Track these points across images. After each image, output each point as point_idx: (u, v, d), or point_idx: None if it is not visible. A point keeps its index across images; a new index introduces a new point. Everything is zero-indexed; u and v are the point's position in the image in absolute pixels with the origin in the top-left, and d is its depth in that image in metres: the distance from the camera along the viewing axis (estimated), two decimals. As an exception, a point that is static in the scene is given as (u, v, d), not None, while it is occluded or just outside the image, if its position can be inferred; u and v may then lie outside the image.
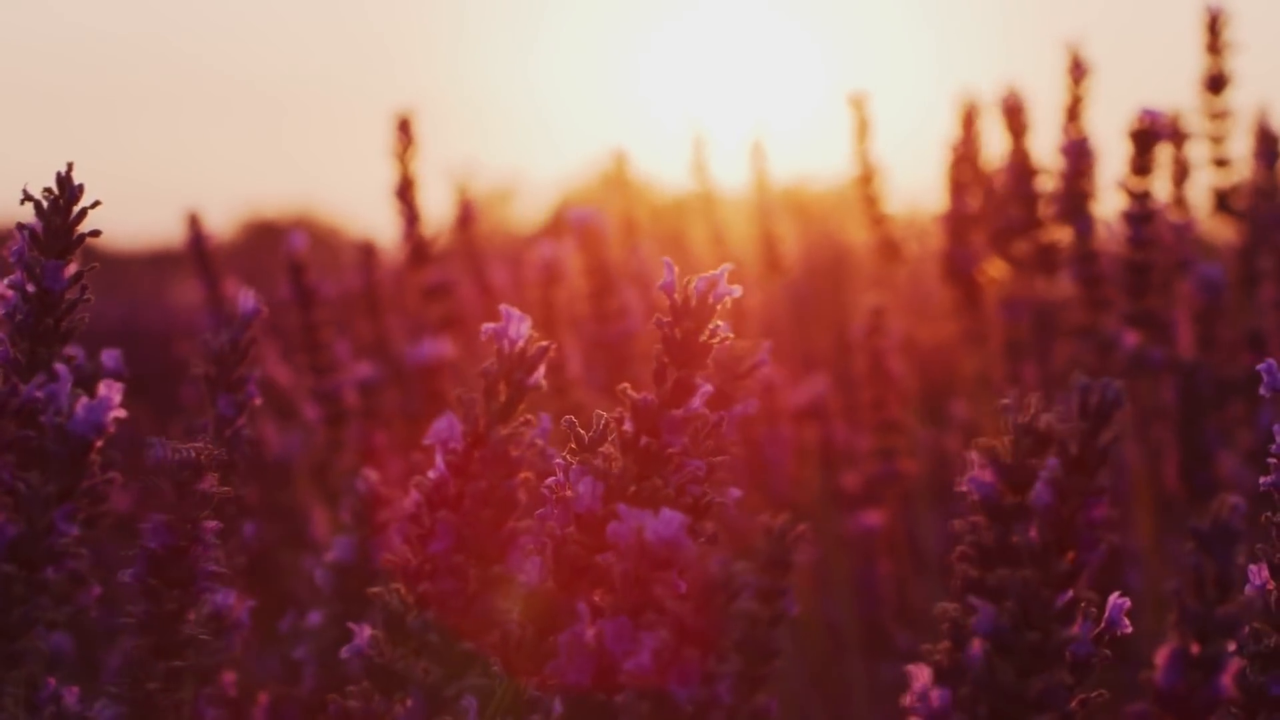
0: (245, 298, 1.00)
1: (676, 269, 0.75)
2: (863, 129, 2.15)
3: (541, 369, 0.72)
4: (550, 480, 0.74)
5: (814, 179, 4.66)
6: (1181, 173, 1.91)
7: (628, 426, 0.74)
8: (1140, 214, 1.68)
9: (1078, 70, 1.90)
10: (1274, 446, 0.85)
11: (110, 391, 0.77)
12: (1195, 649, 0.70)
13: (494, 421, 0.72)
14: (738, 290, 0.74)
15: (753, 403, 0.84)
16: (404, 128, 1.95)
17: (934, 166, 2.06)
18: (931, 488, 2.03)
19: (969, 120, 2.01)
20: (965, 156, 2.01)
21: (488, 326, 0.72)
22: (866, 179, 2.16)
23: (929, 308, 2.60)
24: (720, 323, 0.75)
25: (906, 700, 0.75)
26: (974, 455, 0.72)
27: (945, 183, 2.02)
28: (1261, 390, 0.86)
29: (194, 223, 1.95)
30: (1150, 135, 1.68)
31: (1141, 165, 1.68)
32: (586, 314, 1.82)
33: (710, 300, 0.75)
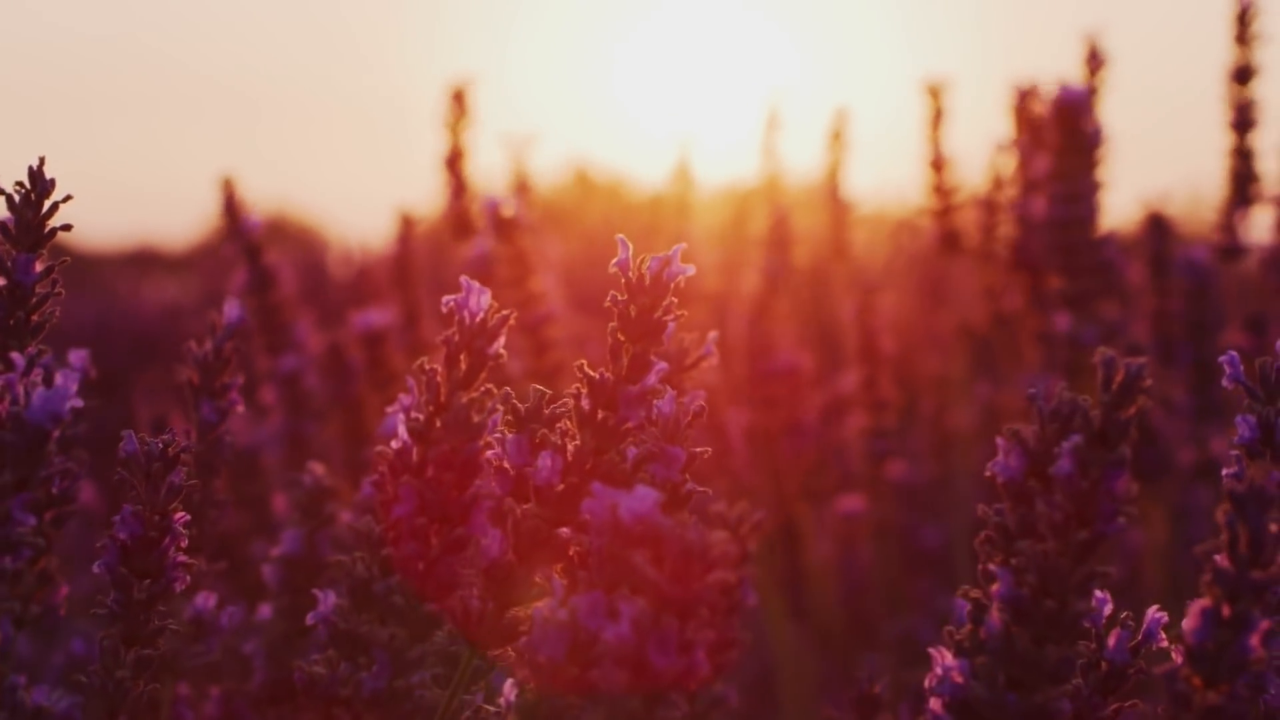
0: (230, 307, 1.01)
1: (631, 247, 0.76)
2: (938, 117, 2.14)
3: (502, 339, 0.74)
4: (493, 453, 0.75)
5: (787, 175, 4.67)
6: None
7: (584, 403, 0.76)
8: (1067, 194, 1.69)
9: (1094, 61, 1.89)
10: (1236, 438, 0.87)
11: (67, 381, 0.78)
12: (1226, 610, 0.72)
13: (455, 389, 0.73)
14: (691, 269, 0.76)
15: (700, 394, 0.85)
16: (458, 98, 1.97)
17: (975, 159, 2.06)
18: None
19: (1028, 106, 1.98)
20: (1030, 146, 1.96)
21: (448, 298, 0.73)
22: (938, 168, 2.15)
23: (943, 297, 2.60)
24: (674, 299, 0.76)
25: (927, 683, 0.77)
26: (1001, 441, 0.74)
27: (1018, 173, 1.99)
28: (1224, 382, 0.88)
29: None
30: (1071, 114, 1.68)
31: (1069, 145, 1.68)
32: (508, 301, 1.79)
33: (664, 278, 0.76)
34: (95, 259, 5.78)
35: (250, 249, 1.78)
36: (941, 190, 2.15)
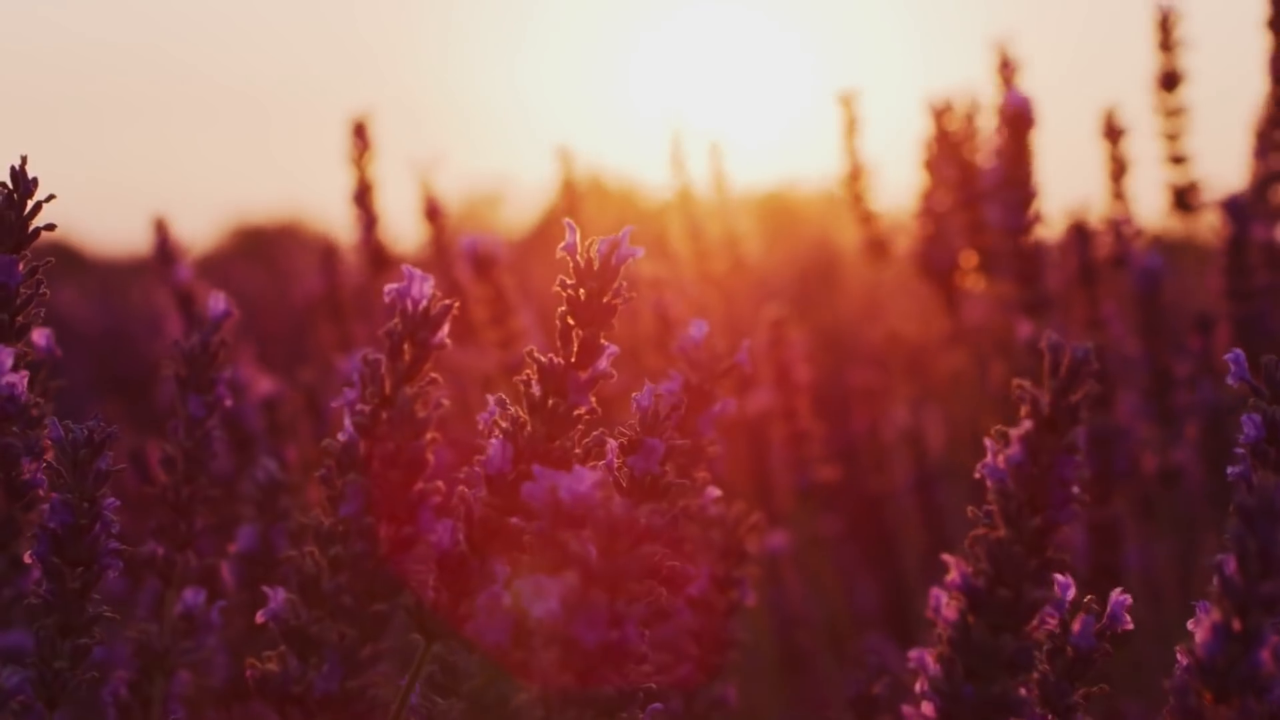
0: (216, 300, 1.00)
1: (579, 231, 0.75)
2: (851, 127, 2.16)
3: (446, 328, 0.72)
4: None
5: (802, 182, 4.68)
6: (1119, 169, 1.91)
7: (535, 389, 0.74)
8: (1018, 199, 1.69)
9: (1007, 69, 1.91)
10: (1242, 437, 0.86)
11: (2, 356, 0.76)
12: (1237, 624, 0.71)
13: (400, 382, 0.72)
14: (640, 252, 0.74)
15: (731, 402, 0.84)
16: (360, 132, 1.93)
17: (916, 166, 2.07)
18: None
19: (942, 119, 2.01)
20: (940, 156, 2.00)
21: (390, 287, 0.72)
22: (855, 177, 2.16)
23: (916, 306, 2.60)
24: (624, 283, 0.75)
25: (917, 687, 0.76)
26: (989, 443, 0.73)
27: (920, 182, 2.02)
28: (1229, 379, 0.87)
29: None
30: (1020, 121, 1.68)
31: (1015, 151, 1.68)
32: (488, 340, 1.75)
33: (613, 262, 0.74)
34: (111, 265, 5.79)
35: (182, 297, 1.76)
36: (861, 199, 2.16)
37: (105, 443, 0.86)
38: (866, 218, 2.17)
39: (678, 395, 0.84)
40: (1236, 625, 0.71)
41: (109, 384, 2.75)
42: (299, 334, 2.86)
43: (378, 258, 1.95)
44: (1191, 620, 0.82)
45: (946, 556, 0.73)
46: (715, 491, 0.84)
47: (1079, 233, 1.82)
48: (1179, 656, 0.81)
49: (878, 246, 2.18)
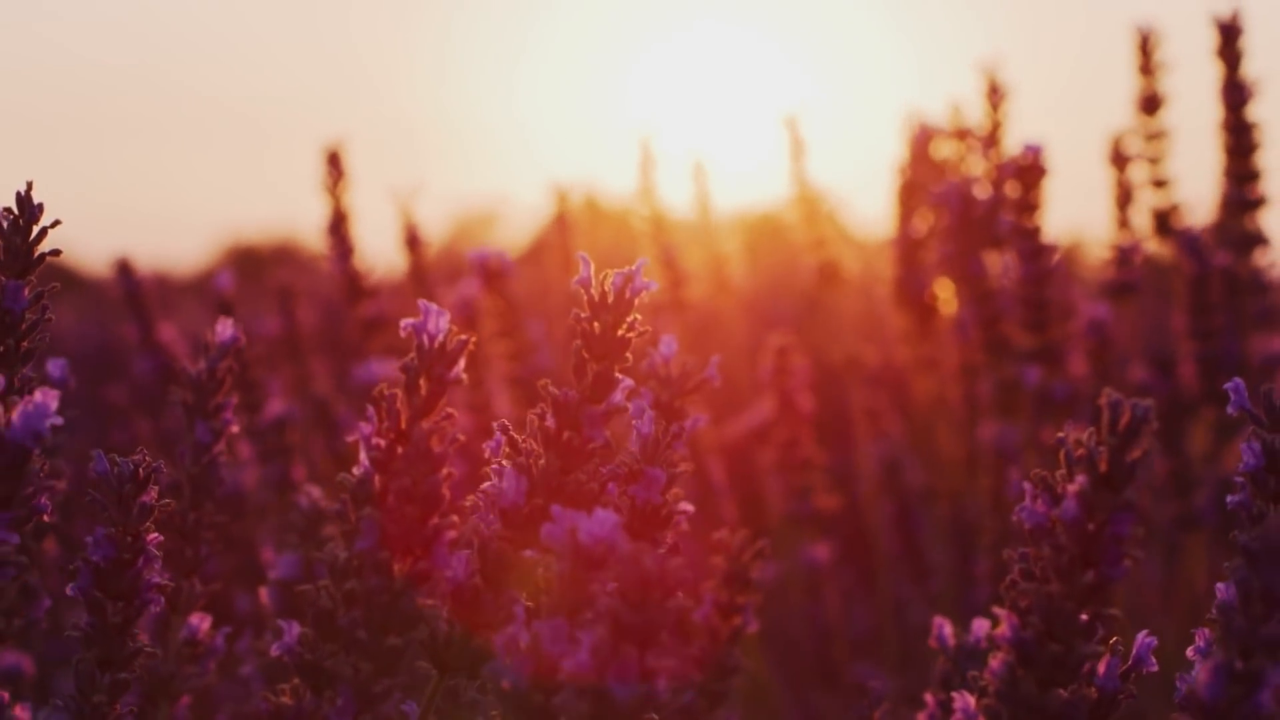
0: (223, 326, 1.00)
1: (593, 264, 0.75)
2: (798, 150, 2.17)
3: (462, 363, 0.72)
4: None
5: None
6: (1125, 196, 1.91)
7: (549, 422, 0.74)
8: (1031, 250, 1.67)
9: (995, 95, 1.90)
10: (1241, 466, 0.86)
11: (47, 398, 0.77)
12: (1239, 664, 0.71)
13: (416, 416, 0.72)
14: (654, 285, 0.75)
15: (701, 418, 0.84)
16: (333, 161, 1.89)
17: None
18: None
19: (918, 143, 2.00)
20: (914, 180, 2.00)
21: (407, 321, 0.72)
22: (804, 201, 2.17)
23: (882, 331, 2.60)
24: (638, 316, 0.75)
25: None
26: (1028, 486, 0.73)
27: (894, 207, 2.01)
28: (1229, 409, 0.87)
29: None
30: (1034, 171, 1.66)
31: (1028, 201, 1.66)
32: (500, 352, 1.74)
33: (628, 295, 0.75)
34: (107, 284, 5.78)
35: (148, 328, 1.78)
36: (809, 223, 2.15)
37: (150, 478, 0.87)
38: (817, 242, 2.17)
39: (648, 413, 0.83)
40: (1239, 665, 0.71)
41: (101, 406, 2.74)
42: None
43: (354, 288, 1.90)
44: (1190, 648, 0.83)
45: (998, 610, 0.73)
46: (688, 507, 0.84)
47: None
48: (1178, 684, 0.82)
49: (829, 270, 2.18)
